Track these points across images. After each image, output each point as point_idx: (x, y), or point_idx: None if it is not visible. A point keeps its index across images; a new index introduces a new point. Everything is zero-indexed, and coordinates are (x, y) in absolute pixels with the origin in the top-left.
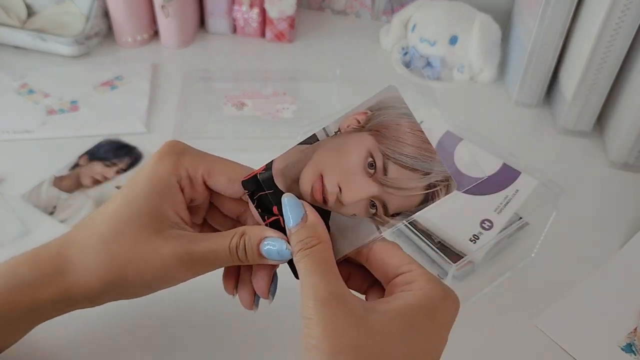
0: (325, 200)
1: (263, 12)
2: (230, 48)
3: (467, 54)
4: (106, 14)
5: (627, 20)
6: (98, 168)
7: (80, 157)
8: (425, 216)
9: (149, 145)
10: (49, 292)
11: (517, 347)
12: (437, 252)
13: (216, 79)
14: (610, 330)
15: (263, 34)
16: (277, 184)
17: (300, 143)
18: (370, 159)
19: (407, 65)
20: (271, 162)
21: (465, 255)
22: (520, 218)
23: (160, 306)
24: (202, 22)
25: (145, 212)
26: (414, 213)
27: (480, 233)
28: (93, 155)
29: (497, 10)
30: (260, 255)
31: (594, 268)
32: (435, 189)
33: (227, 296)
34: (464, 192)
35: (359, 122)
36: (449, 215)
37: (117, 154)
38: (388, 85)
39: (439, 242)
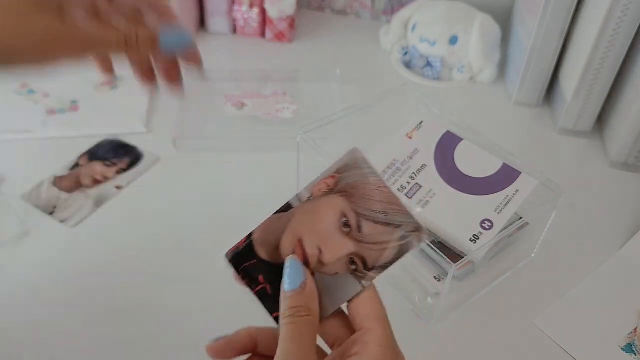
0: (307, 263)
1: (263, 12)
2: (231, 48)
3: (467, 54)
4: None
5: (627, 21)
6: (98, 168)
7: (80, 157)
8: (426, 216)
9: (149, 145)
10: None
11: (517, 347)
12: (437, 252)
13: (216, 79)
14: (610, 330)
15: (263, 34)
16: (258, 254)
17: (276, 212)
18: (345, 219)
19: (407, 65)
20: (251, 233)
21: (465, 255)
22: (521, 218)
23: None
24: (202, 22)
25: None
26: (392, 264)
27: (481, 233)
28: (93, 155)
29: (497, 10)
30: (154, 40)
31: (594, 268)
32: (408, 239)
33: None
34: (464, 192)
35: (328, 185)
36: (449, 215)
37: (117, 153)
38: (352, 149)
39: (439, 242)
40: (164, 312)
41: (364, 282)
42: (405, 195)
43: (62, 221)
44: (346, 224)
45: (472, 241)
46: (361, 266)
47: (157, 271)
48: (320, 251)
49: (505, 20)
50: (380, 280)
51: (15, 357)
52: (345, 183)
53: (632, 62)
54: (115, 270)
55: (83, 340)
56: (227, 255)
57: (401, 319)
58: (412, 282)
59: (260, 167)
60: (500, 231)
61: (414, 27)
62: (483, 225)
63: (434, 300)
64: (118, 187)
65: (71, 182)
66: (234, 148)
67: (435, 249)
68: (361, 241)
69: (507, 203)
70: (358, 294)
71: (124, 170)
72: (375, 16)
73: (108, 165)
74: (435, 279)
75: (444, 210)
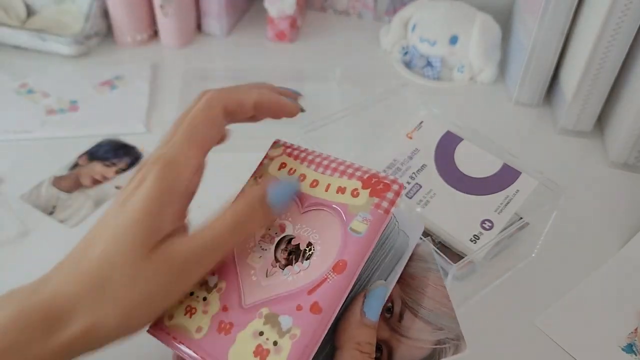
0: None
1: None
2: (230, 48)
3: (467, 54)
4: (106, 14)
5: (627, 21)
6: (98, 168)
7: (80, 157)
8: (426, 216)
9: (149, 145)
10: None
11: (517, 347)
12: (437, 252)
13: (216, 79)
14: (610, 331)
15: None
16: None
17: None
18: (389, 304)
19: (407, 65)
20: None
21: (466, 255)
22: (521, 218)
23: None
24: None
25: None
26: None
27: (481, 233)
28: (93, 155)
29: (497, 10)
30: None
31: (594, 268)
32: (444, 345)
33: None
34: (464, 192)
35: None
36: (449, 215)
37: (117, 154)
38: (423, 240)
39: (439, 242)
40: None
41: None
42: (406, 195)
43: (61, 221)
44: (389, 310)
45: (472, 241)
46: (385, 357)
47: None
48: None
49: (505, 20)
50: None
51: None
52: (406, 271)
53: (632, 62)
54: None
55: None
56: None
57: None
58: None
59: None
60: (501, 231)
61: (413, 27)
62: (483, 225)
63: None
64: (118, 187)
65: (71, 182)
66: (233, 148)
67: (435, 249)
68: (396, 331)
69: (508, 203)
70: None
71: (124, 170)
72: (377, 17)
73: (108, 165)
74: None
75: (444, 210)
